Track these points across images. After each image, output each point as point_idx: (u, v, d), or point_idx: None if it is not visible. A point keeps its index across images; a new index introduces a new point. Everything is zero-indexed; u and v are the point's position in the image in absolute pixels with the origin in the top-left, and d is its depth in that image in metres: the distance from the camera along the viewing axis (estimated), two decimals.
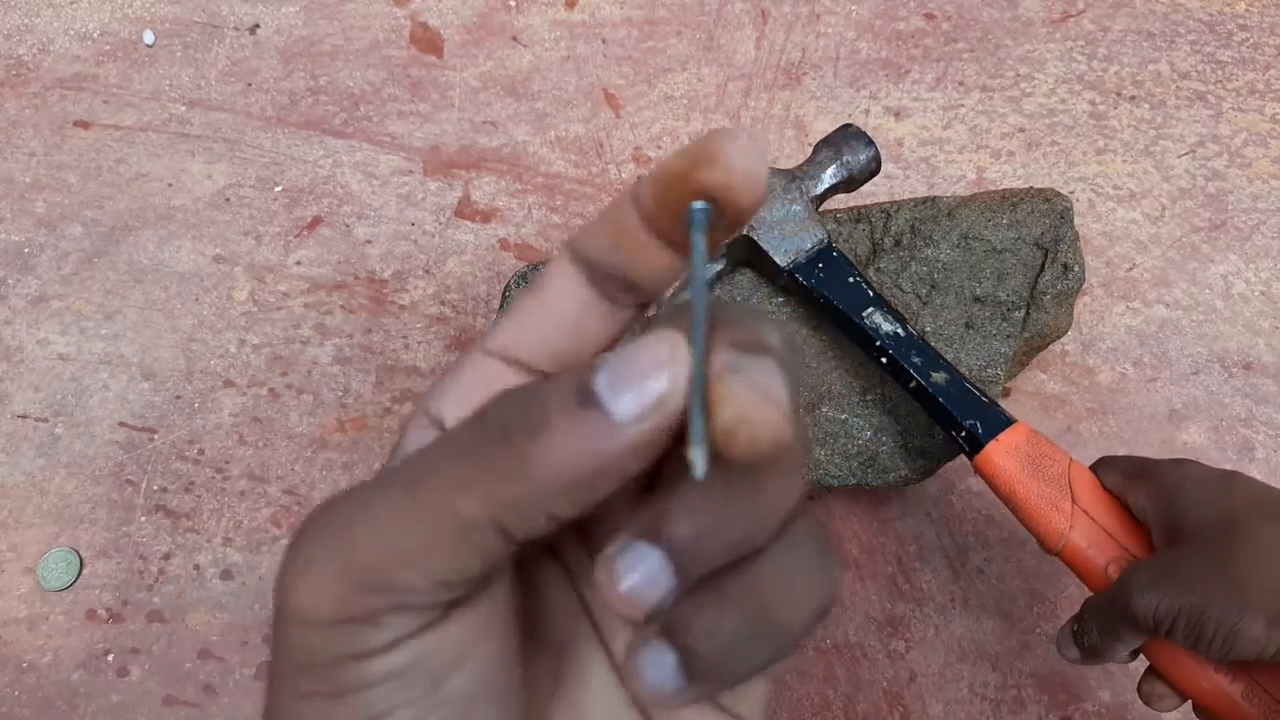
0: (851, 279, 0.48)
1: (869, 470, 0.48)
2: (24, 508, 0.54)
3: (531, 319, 0.21)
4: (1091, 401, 0.55)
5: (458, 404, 0.20)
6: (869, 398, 0.49)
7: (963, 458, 0.52)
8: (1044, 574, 0.52)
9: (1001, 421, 0.44)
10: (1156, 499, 0.39)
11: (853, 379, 0.49)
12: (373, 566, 0.17)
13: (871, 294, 0.47)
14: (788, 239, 0.49)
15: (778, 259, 0.48)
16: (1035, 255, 0.50)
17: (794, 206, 0.50)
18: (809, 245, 0.49)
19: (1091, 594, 0.41)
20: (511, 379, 0.21)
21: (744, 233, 0.49)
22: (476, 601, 0.18)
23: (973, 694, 0.51)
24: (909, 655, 0.51)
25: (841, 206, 0.52)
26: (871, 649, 0.51)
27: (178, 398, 0.55)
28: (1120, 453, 0.53)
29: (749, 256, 0.51)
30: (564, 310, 0.21)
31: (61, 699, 0.51)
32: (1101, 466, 0.44)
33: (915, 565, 0.53)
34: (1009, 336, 0.49)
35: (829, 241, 0.49)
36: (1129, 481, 0.42)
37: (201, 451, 0.55)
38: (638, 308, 0.21)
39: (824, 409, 0.48)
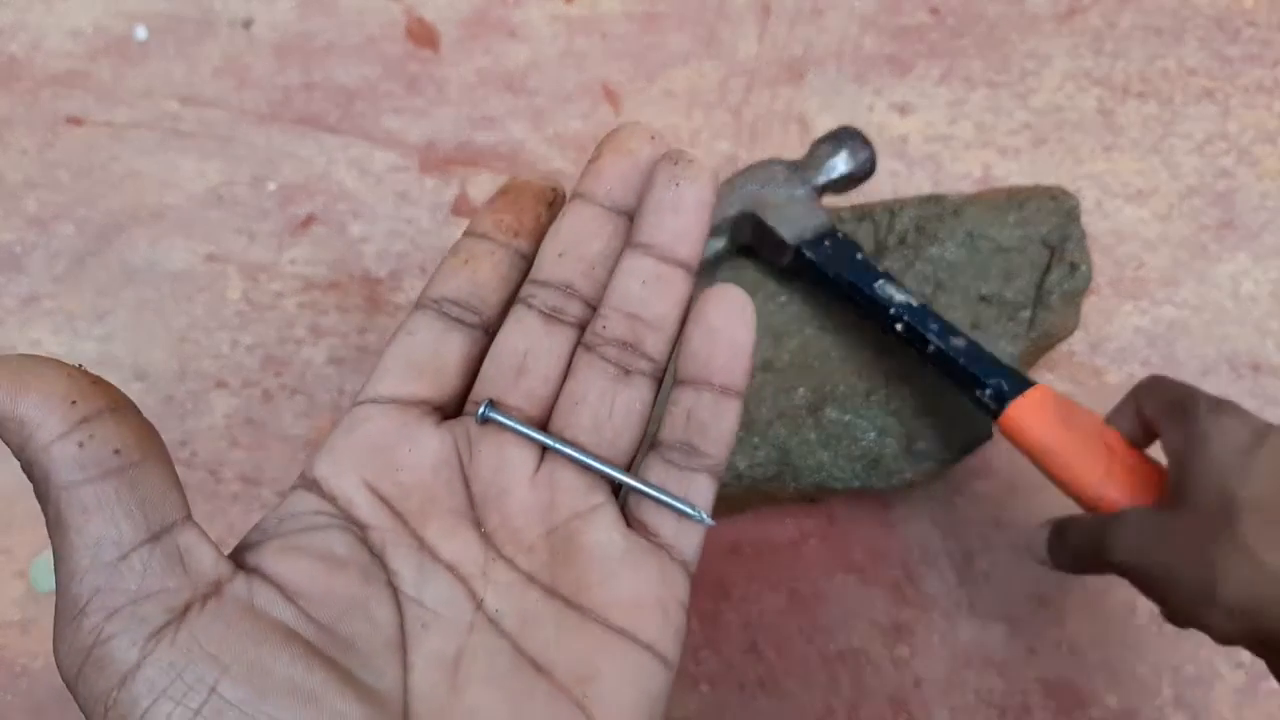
0: (859, 255, 0.48)
1: (873, 473, 0.48)
2: (15, 510, 0.53)
3: (400, 361, 0.26)
4: (1099, 402, 0.54)
5: (340, 470, 0.24)
6: (873, 399, 0.48)
7: (969, 460, 0.52)
8: (1051, 579, 0.51)
9: (1025, 382, 0.44)
10: (1179, 445, 0.38)
11: (857, 380, 0.48)
12: (79, 602, 0.20)
13: (880, 269, 0.47)
14: (792, 221, 0.49)
15: (785, 235, 0.48)
16: (1042, 254, 0.49)
17: (797, 191, 0.49)
18: (813, 226, 0.49)
19: (1077, 515, 0.42)
20: (389, 420, 0.25)
21: (748, 212, 0.49)
22: (210, 610, 0.21)
23: (979, 700, 0.50)
24: (914, 661, 0.51)
25: (845, 204, 0.52)
26: (876, 655, 0.51)
27: (170, 399, 0.55)
28: None
29: (751, 240, 0.51)
30: (425, 342, 0.26)
31: (54, 703, 0.50)
32: (1144, 388, 0.42)
33: (920, 570, 0.52)
34: (1016, 336, 0.49)
35: (832, 225, 0.49)
36: (1165, 416, 0.40)
37: (194, 454, 0.54)
38: (481, 328, 0.27)
39: (828, 410, 0.48)
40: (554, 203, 0.29)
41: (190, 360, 0.55)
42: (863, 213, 0.50)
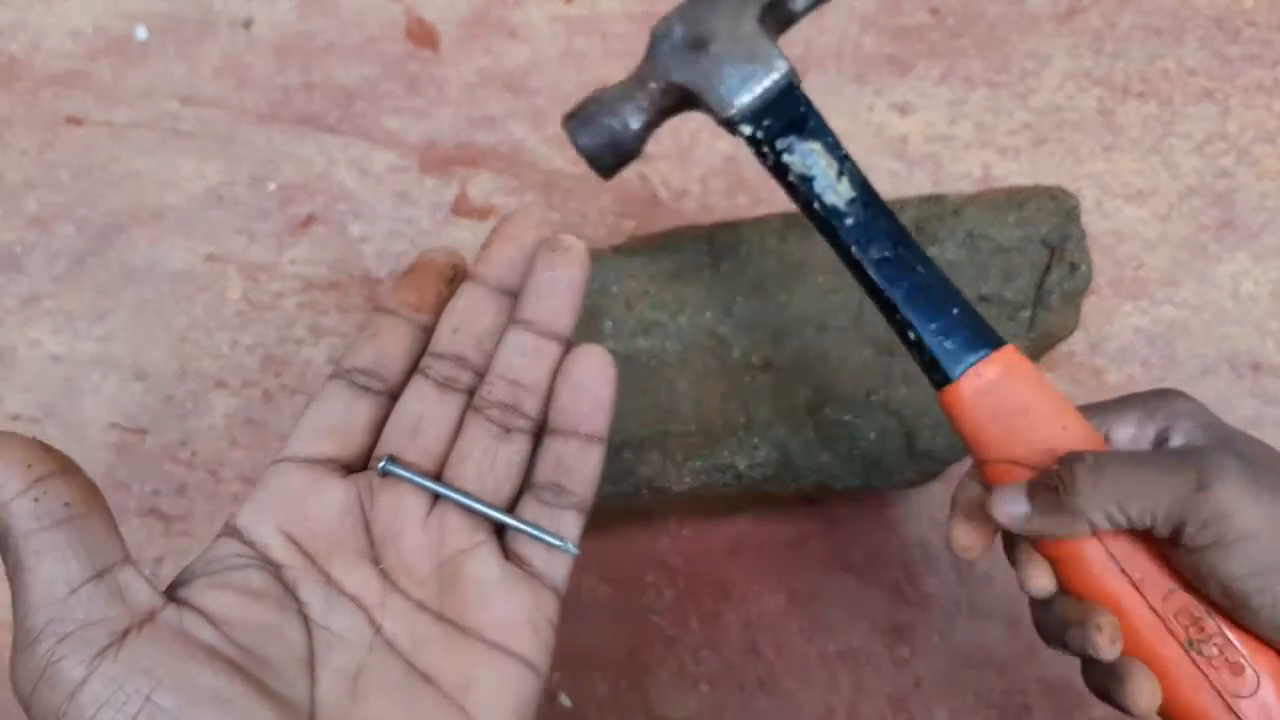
0: (810, 124, 0.38)
1: (873, 473, 0.48)
2: None
3: (312, 426, 0.31)
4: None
5: (258, 520, 0.29)
6: (873, 399, 0.48)
7: (970, 459, 0.52)
8: None
9: (979, 344, 0.36)
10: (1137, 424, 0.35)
11: (857, 380, 0.48)
12: (34, 631, 0.24)
13: (840, 154, 0.38)
14: (730, 74, 0.39)
15: (715, 106, 0.38)
16: (1042, 254, 0.49)
17: (743, 24, 0.39)
18: (762, 83, 0.39)
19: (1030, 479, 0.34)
20: (300, 476, 0.30)
21: (672, 79, 0.39)
22: (146, 634, 0.25)
23: (978, 700, 0.50)
24: (914, 661, 0.51)
25: None
26: (876, 655, 0.51)
27: (170, 399, 0.55)
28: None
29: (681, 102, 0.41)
30: (334, 409, 0.31)
31: None
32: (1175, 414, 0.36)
33: (920, 570, 0.52)
34: (1015, 336, 0.49)
35: (790, 77, 0.39)
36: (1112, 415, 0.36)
37: (194, 454, 0.54)
38: (386, 393, 0.32)
39: (828, 411, 0.48)
40: (454, 278, 0.34)
41: (190, 360, 0.55)
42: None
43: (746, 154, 0.59)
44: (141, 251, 0.57)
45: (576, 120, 0.40)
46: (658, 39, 0.40)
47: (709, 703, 0.51)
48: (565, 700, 0.51)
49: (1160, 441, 0.35)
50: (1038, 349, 0.51)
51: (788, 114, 0.39)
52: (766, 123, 0.39)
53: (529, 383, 0.32)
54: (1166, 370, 0.54)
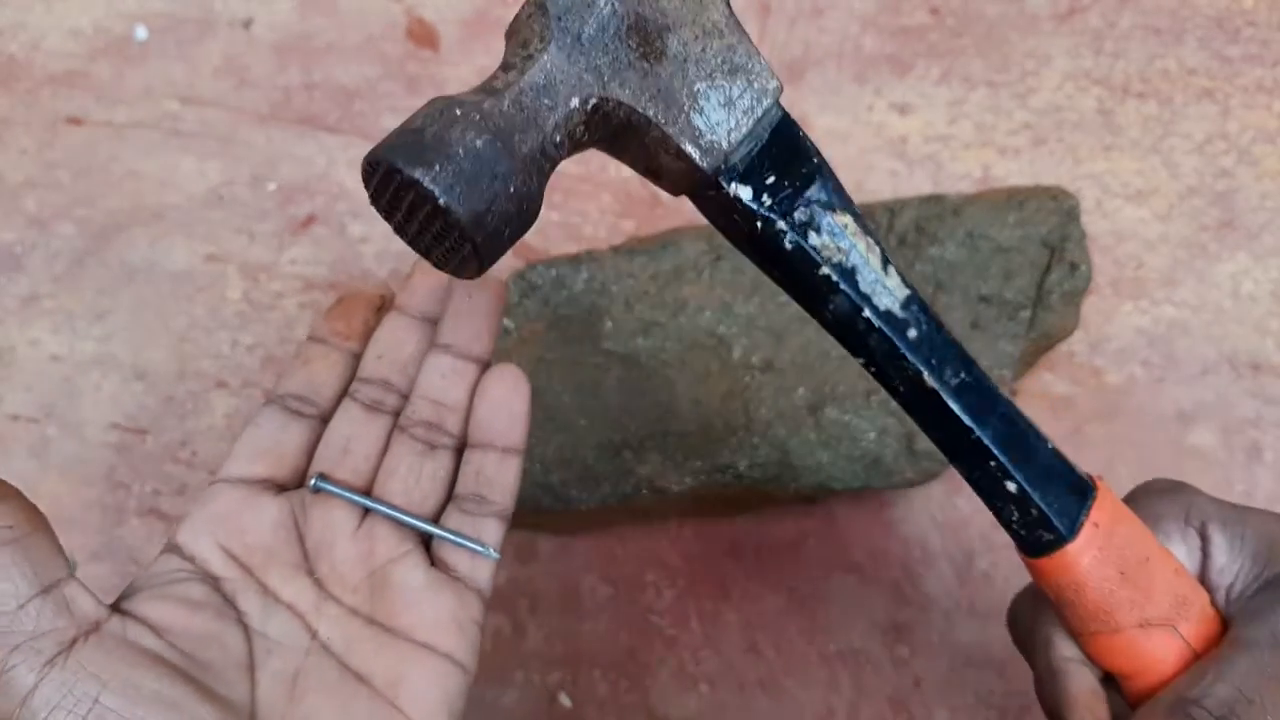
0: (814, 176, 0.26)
1: (874, 473, 0.48)
2: None
3: (246, 448, 0.33)
4: (1099, 402, 0.54)
5: (196, 536, 0.31)
6: (873, 400, 0.48)
7: None
8: None
9: (1082, 490, 0.29)
10: (1246, 561, 0.30)
11: (857, 380, 0.48)
12: None
13: (872, 230, 0.28)
14: (708, 95, 0.25)
15: (690, 147, 0.25)
16: (1042, 254, 0.49)
17: (713, 9, 0.26)
18: (755, 112, 0.26)
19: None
20: (235, 495, 0.32)
21: (607, 94, 0.25)
22: (92, 643, 0.27)
23: (978, 700, 0.50)
24: (913, 661, 0.51)
25: None
26: (876, 655, 0.51)
27: (170, 399, 0.55)
28: (1129, 453, 0.53)
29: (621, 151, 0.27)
30: (268, 432, 0.33)
31: None
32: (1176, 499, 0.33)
33: (920, 570, 0.52)
34: (1015, 336, 0.49)
35: (782, 112, 0.27)
36: (1219, 522, 0.31)
37: (194, 453, 0.54)
38: (318, 417, 0.34)
39: (828, 411, 0.48)
40: (382, 307, 0.36)
41: (190, 360, 0.55)
42: (862, 213, 0.50)
43: None
44: (141, 251, 0.57)
45: (448, 187, 0.23)
46: (562, 14, 0.25)
47: (709, 702, 0.51)
48: (565, 700, 0.51)
49: (1205, 542, 0.31)
50: (1038, 349, 0.51)
51: (796, 168, 0.26)
52: (770, 180, 0.26)
53: (450, 402, 0.34)
54: (1166, 370, 0.54)
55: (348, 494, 0.33)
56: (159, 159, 0.58)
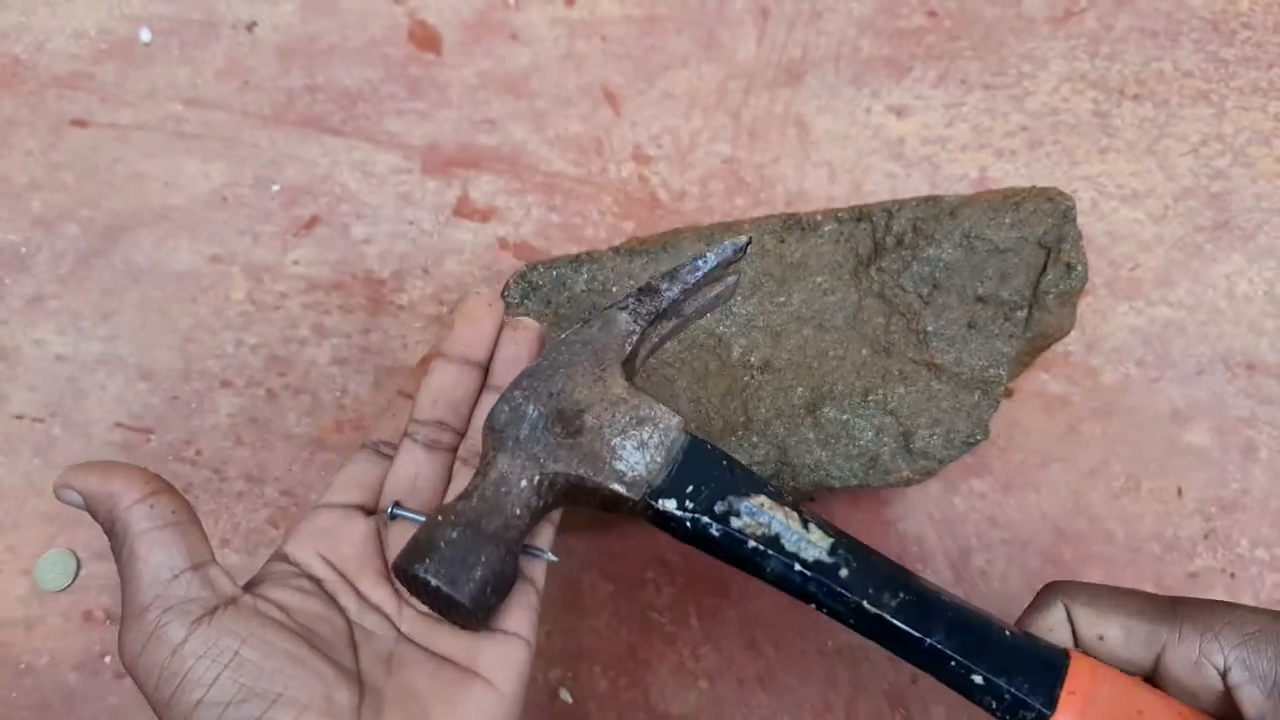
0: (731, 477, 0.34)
1: (871, 471, 0.48)
2: (21, 509, 0.53)
3: (344, 482, 0.39)
4: (1094, 402, 0.55)
5: (300, 547, 0.37)
6: (871, 399, 0.48)
7: (966, 459, 0.52)
8: (1047, 576, 0.52)
9: (1052, 665, 0.31)
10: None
11: (855, 379, 0.49)
12: (143, 604, 0.32)
13: (787, 498, 0.34)
14: (623, 446, 0.34)
15: (619, 487, 0.33)
16: (1038, 255, 0.49)
17: (613, 385, 0.35)
18: (665, 445, 0.34)
19: None
20: (334, 516, 0.38)
21: (545, 469, 0.34)
22: (231, 610, 0.32)
23: None
24: None
25: (843, 206, 0.52)
26: (873, 651, 0.51)
27: (175, 398, 0.55)
28: (1124, 452, 0.53)
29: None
30: (362, 469, 0.40)
31: (59, 700, 0.51)
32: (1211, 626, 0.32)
33: (917, 567, 0.52)
34: (1012, 336, 0.49)
35: (688, 430, 0.35)
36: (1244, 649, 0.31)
37: (199, 452, 0.54)
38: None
39: (825, 410, 0.48)
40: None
41: (195, 360, 0.56)
42: (860, 213, 0.51)
43: (746, 155, 0.59)
44: (146, 252, 0.57)
45: (439, 574, 0.32)
46: (502, 429, 0.34)
47: (708, 698, 0.51)
48: (566, 696, 0.51)
49: (1231, 666, 0.31)
50: (1034, 349, 0.51)
51: (710, 473, 0.33)
52: (690, 489, 0.33)
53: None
54: (1161, 370, 0.55)
55: (420, 517, 0.38)
56: (163, 160, 0.58)
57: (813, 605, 0.33)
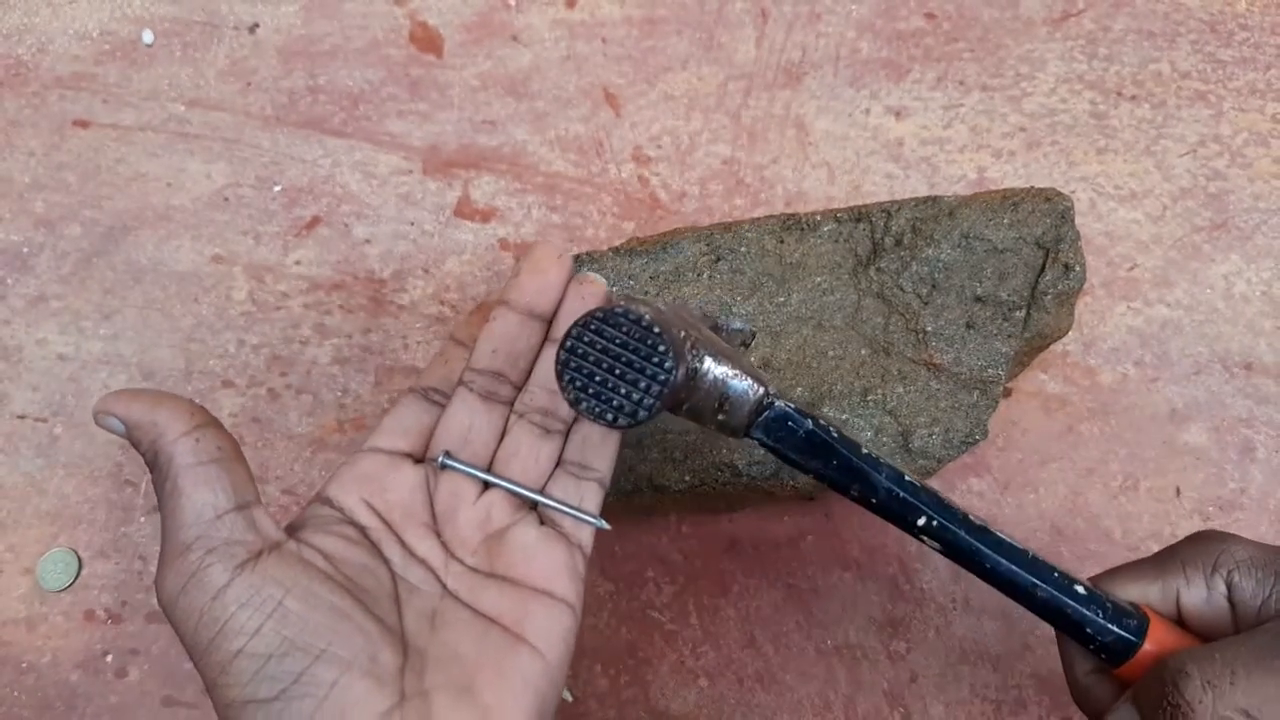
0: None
1: None
2: (23, 508, 0.53)
3: (391, 426, 0.38)
4: (1092, 402, 0.55)
5: (345, 491, 0.36)
6: (870, 398, 0.48)
7: (964, 458, 0.52)
8: None
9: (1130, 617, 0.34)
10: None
11: (854, 379, 0.49)
12: (185, 543, 0.30)
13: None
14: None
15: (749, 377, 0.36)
16: (1036, 255, 0.50)
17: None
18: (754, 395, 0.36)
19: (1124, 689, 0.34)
20: (379, 461, 0.37)
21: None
22: (275, 556, 0.31)
23: (974, 695, 0.51)
24: (910, 656, 0.51)
25: (842, 206, 0.52)
26: (872, 650, 0.51)
27: None
28: (1122, 452, 0.54)
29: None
30: (410, 414, 0.38)
31: (60, 699, 0.51)
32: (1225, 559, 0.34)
33: (916, 566, 0.52)
34: (1010, 336, 0.49)
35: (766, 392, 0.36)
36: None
37: None
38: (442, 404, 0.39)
39: (825, 409, 0.48)
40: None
41: (196, 360, 0.56)
42: (859, 214, 0.51)
43: (745, 156, 0.59)
44: (148, 252, 0.57)
45: (659, 317, 0.33)
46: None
47: (708, 696, 0.51)
48: (566, 694, 0.51)
49: (1231, 588, 0.34)
50: (1032, 349, 0.52)
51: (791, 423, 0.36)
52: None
53: None
54: (1159, 370, 0.55)
55: (472, 470, 0.37)
56: (165, 161, 0.59)
57: (921, 519, 0.34)
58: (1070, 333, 0.52)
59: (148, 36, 0.61)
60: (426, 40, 0.61)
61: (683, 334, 0.33)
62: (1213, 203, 0.58)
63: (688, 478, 0.48)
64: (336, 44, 0.61)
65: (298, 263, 0.57)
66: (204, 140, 0.59)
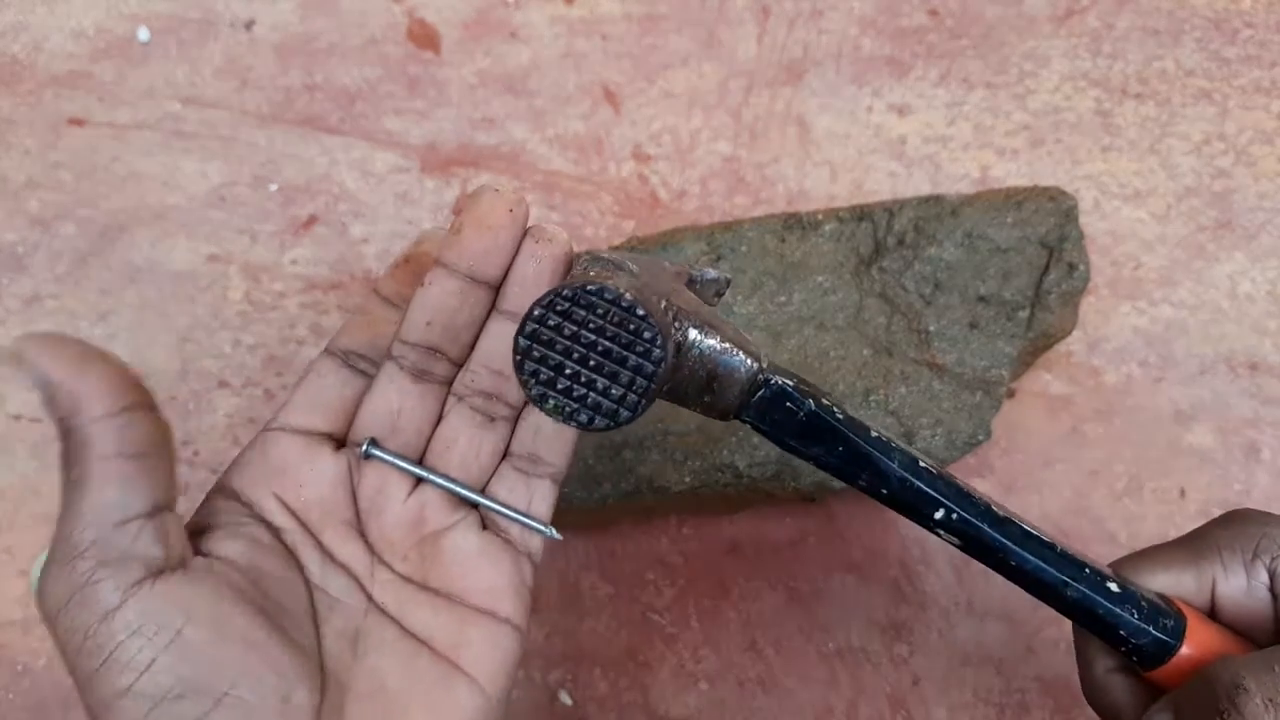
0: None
1: None
2: (18, 509, 0.53)
3: (305, 398, 0.32)
4: (1097, 402, 0.54)
5: (253, 484, 0.31)
6: (872, 399, 0.48)
7: (967, 459, 0.52)
8: None
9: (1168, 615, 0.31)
10: None
11: (856, 380, 0.49)
12: (78, 547, 0.25)
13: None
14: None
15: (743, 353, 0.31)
16: (1040, 254, 0.49)
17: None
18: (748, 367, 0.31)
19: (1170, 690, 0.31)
20: (294, 445, 0.31)
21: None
22: (182, 574, 0.26)
23: (976, 698, 0.50)
24: (912, 659, 0.51)
25: (844, 205, 0.52)
26: (875, 653, 0.51)
27: (172, 399, 0.55)
28: (1126, 453, 0.53)
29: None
30: (329, 385, 0.32)
31: (56, 702, 0.51)
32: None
33: (919, 569, 0.52)
34: (1014, 336, 0.49)
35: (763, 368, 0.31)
36: None
37: (196, 453, 0.54)
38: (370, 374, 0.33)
39: None
40: None
41: (192, 360, 0.55)
42: (861, 213, 0.51)
43: (746, 154, 0.59)
44: (144, 252, 0.57)
45: (633, 294, 0.28)
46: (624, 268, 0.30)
47: (708, 700, 0.51)
48: (565, 698, 0.51)
49: (1274, 579, 0.31)
50: (1036, 349, 0.51)
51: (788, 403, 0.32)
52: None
53: (512, 372, 0.31)
54: (1164, 370, 0.55)
55: (403, 463, 0.32)
56: (161, 160, 0.58)
57: (939, 511, 0.31)
58: (1074, 333, 0.51)
59: (143, 34, 0.60)
60: (424, 37, 0.60)
61: (664, 305, 0.28)
62: (1218, 201, 0.57)
63: (688, 479, 0.48)
64: (333, 41, 0.60)
65: (294, 262, 0.57)
66: (200, 139, 0.59)
